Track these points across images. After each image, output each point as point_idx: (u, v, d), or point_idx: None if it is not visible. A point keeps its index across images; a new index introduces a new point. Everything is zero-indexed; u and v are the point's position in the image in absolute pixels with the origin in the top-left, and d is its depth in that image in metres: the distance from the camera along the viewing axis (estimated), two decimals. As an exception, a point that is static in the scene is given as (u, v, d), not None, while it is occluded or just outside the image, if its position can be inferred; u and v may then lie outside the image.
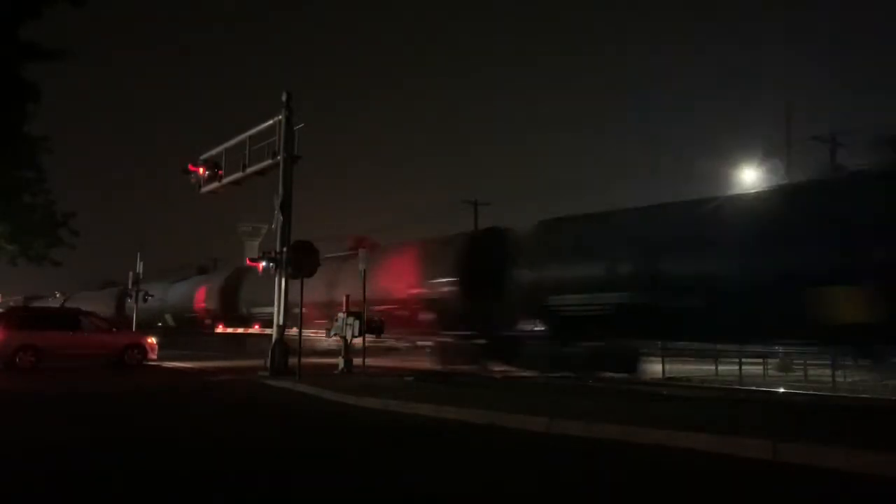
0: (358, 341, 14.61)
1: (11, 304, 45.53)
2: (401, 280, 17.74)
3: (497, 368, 14.85)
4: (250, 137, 16.61)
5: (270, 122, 15.81)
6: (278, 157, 15.43)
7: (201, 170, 17.91)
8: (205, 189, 18.16)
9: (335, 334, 14.93)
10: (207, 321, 27.05)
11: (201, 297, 28.22)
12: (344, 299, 15.00)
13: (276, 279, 14.95)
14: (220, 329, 25.20)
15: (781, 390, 10.92)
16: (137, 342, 18.46)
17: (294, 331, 14.62)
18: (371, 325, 14.49)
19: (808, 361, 14.85)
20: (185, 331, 28.09)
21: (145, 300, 26.63)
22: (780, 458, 5.60)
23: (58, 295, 49.02)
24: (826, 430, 6.24)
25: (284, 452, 6.42)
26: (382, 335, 15.88)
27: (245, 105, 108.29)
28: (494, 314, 14.90)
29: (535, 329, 14.43)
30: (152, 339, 18.82)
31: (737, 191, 18.78)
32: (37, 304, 46.59)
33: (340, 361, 14.73)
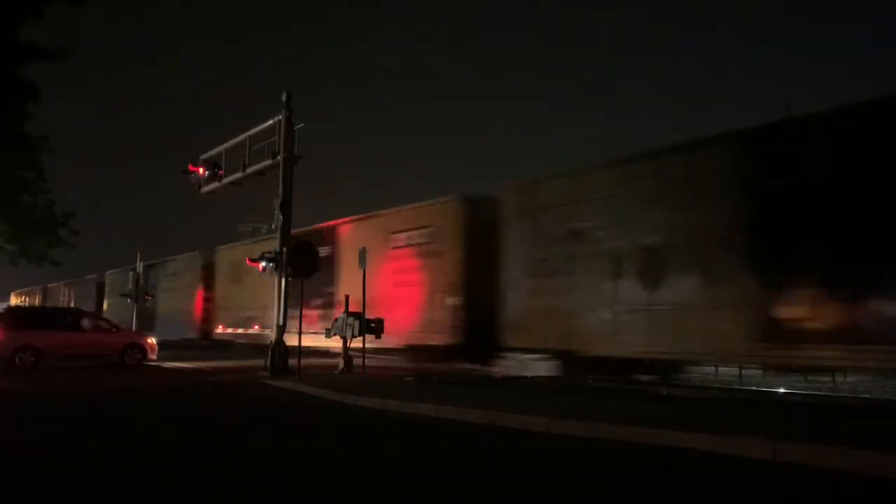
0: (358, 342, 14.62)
1: None
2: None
3: None
4: (250, 137, 16.62)
5: (270, 122, 15.82)
6: (278, 157, 15.44)
7: (201, 170, 17.93)
8: (205, 189, 18.16)
9: (335, 334, 14.93)
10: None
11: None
12: (344, 299, 15.01)
13: (276, 279, 14.96)
14: (219, 329, 25.22)
15: (781, 390, 10.91)
16: (137, 342, 18.47)
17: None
18: (370, 326, 14.48)
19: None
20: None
21: (145, 300, 26.66)
22: (779, 458, 5.61)
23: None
24: (826, 430, 6.24)
25: (285, 452, 6.43)
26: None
27: (245, 105, 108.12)
28: None
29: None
30: (152, 339, 18.84)
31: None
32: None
33: (340, 361, 14.74)
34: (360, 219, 18.74)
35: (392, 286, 16.57)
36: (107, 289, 35.80)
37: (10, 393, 12.12)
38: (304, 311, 16.10)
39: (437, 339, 15.20)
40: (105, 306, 35.39)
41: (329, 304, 18.65)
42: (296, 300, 17.17)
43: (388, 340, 15.17)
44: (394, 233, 16.86)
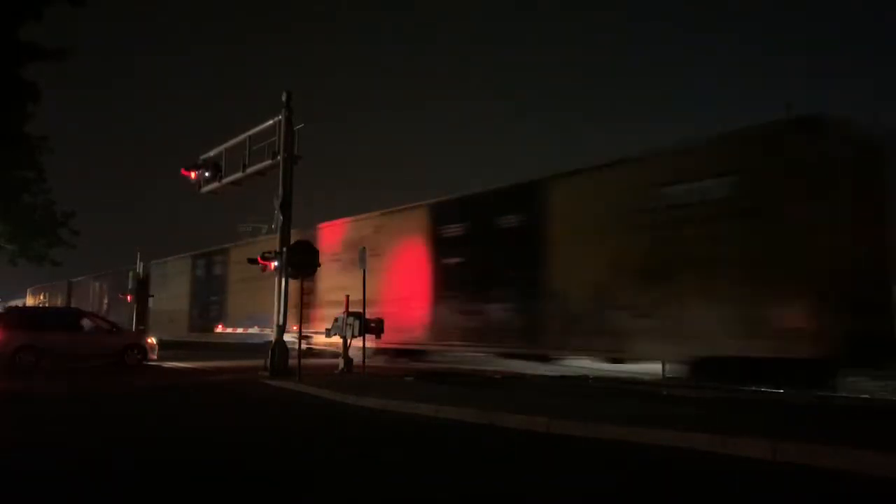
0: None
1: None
2: None
3: None
4: (250, 137, 16.62)
5: (270, 122, 15.82)
6: (278, 157, 15.45)
7: (194, 174, 17.91)
8: (205, 189, 18.16)
9: (335, 334, 14.94)
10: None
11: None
12: (345, 299, 14.96)
13: (277, 279, 14.97)
14: (219, 329, 25.21)
15: (781, 390, 10.90)
16: (137, 342, 18.49)
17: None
18: (370, 325, 14.49)
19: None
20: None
21: (148, 299, 26.67)
22: (779, 458, 5.61)
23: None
24: (826, 430, 6.25)
25: (285, 452, 6.43)
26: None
27: (245, 105, 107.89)
28: None
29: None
30: (152, 339, 18.86)
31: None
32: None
33: (340, 361, 14.74)
34: (590, 170, 12.99)
35: (655, 264, 11.34)
36: (155, 281, 29.18)
37: (9, 393, 12.12)
38: (478, 306, 13.28)
39: (765, 349, 9.93)
40: (150, 303, 29.14)
41: (531, 294, 13.26)
42: (456, 288, 14.18)
43: (639, 347, 11.23)
44: (659, 185, 11.36)
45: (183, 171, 18.10)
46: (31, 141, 24.86)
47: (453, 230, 15.47)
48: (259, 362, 15.12)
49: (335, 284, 17.61)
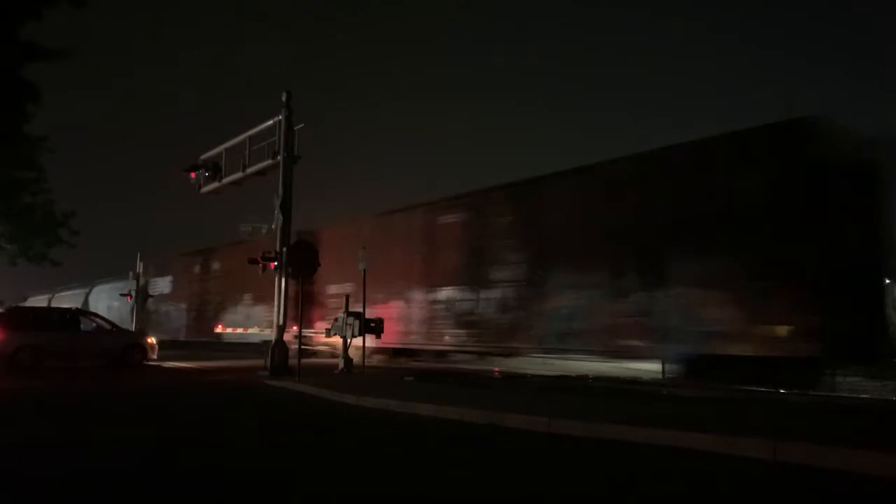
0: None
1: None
2: None
3: None
4: (250, 137, 16.64)
5: (270, 122, 15.84)
6: (278, 157, 15.46)
7: (201, 170, 17.93)
8: (205, 189, 18.17)
9: (335, 334, 14.94)
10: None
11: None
12: (344, 298, 15.01)
13: (277, 279, 14.98)
14: (219, 329, 25.22)
15: (781, 390, 10.90)
16: (137, 342, 18.48)
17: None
18: (370, 325, 14.50)
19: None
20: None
21: (145, 300, 26.66)
22: (780, 458, 5.61)
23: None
24: (826, 430, 6.25)
25: (284, 452, 6.43)
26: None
27: (245, 105, 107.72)
28: None
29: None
30: (152, 339, 18.85)
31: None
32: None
33: (340, 361, 14.75)
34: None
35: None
36: None
37: (10, 393, 12.12)
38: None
39: None
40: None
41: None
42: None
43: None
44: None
45: (183, 171, 18.12)
46: (31, 141, 24.83)
47: None
48: (259, 362, 15.13)
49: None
